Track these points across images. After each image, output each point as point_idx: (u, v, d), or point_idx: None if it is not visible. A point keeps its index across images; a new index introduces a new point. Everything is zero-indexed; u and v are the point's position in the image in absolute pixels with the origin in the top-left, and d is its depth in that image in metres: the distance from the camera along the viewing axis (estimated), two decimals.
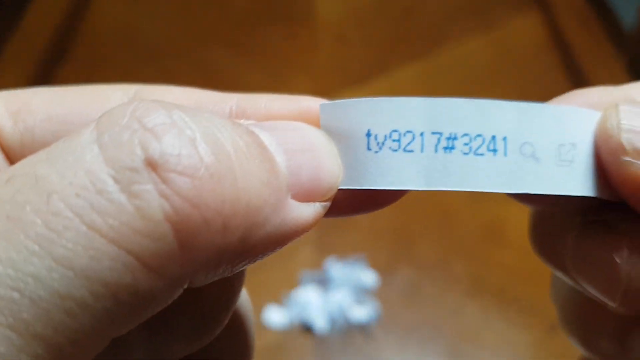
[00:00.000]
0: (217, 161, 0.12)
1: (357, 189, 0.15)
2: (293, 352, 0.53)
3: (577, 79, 0.71)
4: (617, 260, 0.14)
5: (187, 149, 0.11)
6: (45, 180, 0.11)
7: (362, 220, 0.59)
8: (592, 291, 0.15)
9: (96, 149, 0.11)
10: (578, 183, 0.14)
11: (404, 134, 0.14)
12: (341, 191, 0.14)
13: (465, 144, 0.14)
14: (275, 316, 0.54)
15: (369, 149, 0.14)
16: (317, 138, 0.14)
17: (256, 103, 0.15)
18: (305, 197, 0.13)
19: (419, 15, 0.83)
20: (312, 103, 0.15)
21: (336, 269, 0.56)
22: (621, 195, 0.14)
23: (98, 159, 0.11)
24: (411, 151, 0.14)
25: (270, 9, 0.83)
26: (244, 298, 0.18)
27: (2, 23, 0.77)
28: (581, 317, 0.18)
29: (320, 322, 0.53)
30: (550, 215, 0.17)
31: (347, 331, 0.53)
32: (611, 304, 0.15)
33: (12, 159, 0.15)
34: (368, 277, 0.56)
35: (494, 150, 0.14)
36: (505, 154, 0.14)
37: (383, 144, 0.14)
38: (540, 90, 0.71)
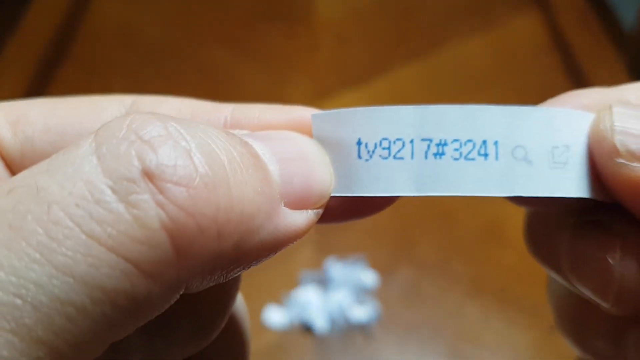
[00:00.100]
0: (212, 171, 0.12)
1: (349, 196, 0.15)
2: (293, 352, 0.53)
3: (577, 79, 0.71)
4: (610, 261, 0.15)
5: (182, 160, 0.12)
6: (45, 190, 0.11)
7: (362, 220, 0.59)
8: (586, 292, 0.16)
9: (94, 161, 0.12)
10: (572, 184, 0.14)
11: (394, 142, 0.14)
12: (334, 198, 0.15)
13: (456, 150, 0.14)
14: (275, 316, 0.54)
15: (359, 157, 0.15)
16: (309, 147, 0.15)
17: (250, 113, 0.16)
18: (298, 204, 0.14)
19: (419, 15, 0.83)
20: (304, 113, 0.16)
21: (336, 269, 0.56)
22: (615, 196, 0.15)
23: (96, 170, 0.11)
24: (401, 158, 0.14)
25: (270, 9, 0.83)
26: (240, 302, 0.19)
27: (2, 23, 0.77)
28: (576, 318, 0.18)
29: (320, 322, 0.53)
30: (545, 216, 0.17)
31: (347, 331, 0.53)
32: (604, 304, 0.15)
33: (12, 169, 0.16)
34: (368, 277, 0.56)
35: (485, 155, 0.14)
36: (496, 158, 0.14)
37: (373, 152, 0.14)
38: (540, 90, 0.71)
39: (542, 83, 0.73)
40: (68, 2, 0.80)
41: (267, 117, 0.16)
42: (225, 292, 0.17)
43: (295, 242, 0.14)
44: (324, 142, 0.15)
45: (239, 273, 0.13)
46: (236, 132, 0.14)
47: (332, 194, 0.15)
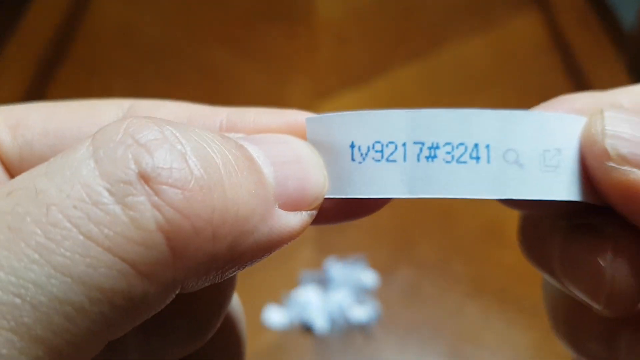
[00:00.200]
0: (207, 174, 0.12)
1: (342, 198, 0.15)
2: (293, 352, 0.53)
3: (577, 79, 0.71)
4: (602, 263, 0.15)
5: (178, 163, 0.12)
6: (44, 193, 0.12)
7: (362, 220, 0.59)
8: (578, 294, 0.16)
9: (92, 164, 0.12)
10: (563, 188, 0.15)
11: (387, 145, 0.15)
12: (328, 200, 0.15)
13: (448, 153, 0.14)
14: (275, 316, 0.54)
15: (353, 159, 0.15)
16: (303, 150, 0.15)
17: (245, 117, 0.16)
18: (292, 206, 0.14)
19: (419, 15, 0.83)
20: (298, 117, 0.16)
21: (336, 269, 0.56)
22: (606, 199, 0.15)
23: (94, 173, 0.12)
24: (394, 161, 0.15)
25: (270, 9, 0.83)
26: (236, 303, 0.19)
27: (2, 23, 0.77)
28: (570, 320, 0.18)
29: (320, 322, 0.53)
30: (538, 219, 0.17)
31: (347, 331, 0.53)
32: (596, 306, 0.15)
33: (11, 172, 0.16)
34: (368, 277, 0.56)
35: (477, 158, 0.14)
36: (488, 161, 0.14)
37: (366, 154, 0.15)
38: (540, 90, 0.71)
39: (542, 83, 0.73)
40: (68, 2, 0.80)
41: (263, 121, 0.16)
42: (221, 292, 0.17)
43: (289, 243, 0.14)
44: (318, 145, 0.15)
45: (235, 273, 0.14)
46: (231, 135, 0.15)
47: (326, 196, 0.15)
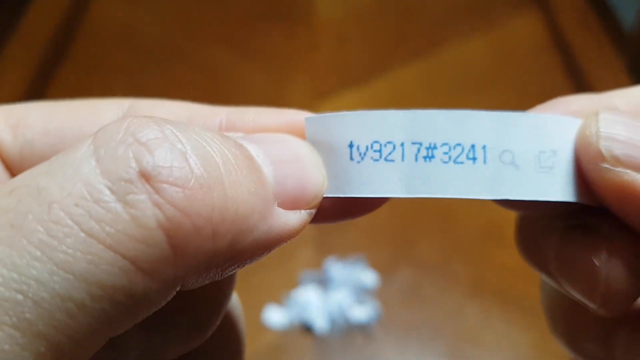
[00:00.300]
0: (207, 172, 0.12)
1: (341, 197, 0.15)
2: (293, 352, 0.53)
3: (577, 79, 0.71)
4: (597, 262, 0.15)
5: (178, 162, 0.12)
6: (46, 191, 0.12)
7: (362, 220, 0.59)
8: (574, 293, 0.16)
9: (93, 162, 0.12)
10: (558, 189, 0.15)
11: (385, 145, 0.15)
12: (326, 199, 0.15)
13: (445, 153, 0.15)
14: (275, 316, 0.54)
15: (351, 159, 0.15)
16: (302, 149, 0.15)
17: (245, 116, 0.16)
18: (291, 205, 0.14)
19: (419, 15, 0.83)
20: (297, 116, 0.16)
21: (336, 269, 0.56)
22: (601, 200, 0.15)
23: (95, 171, 0.12)
24: (392, 161, 0.15)
25: (270, 9, 0.83)
26: (235, 301, 0.19)
27: (2, 23, 0.77)
28: (567, 320, 0.18)
29: (320, 322, 0.53)
30: (535, 220, 0.18)
31: (347, 331, 0.53)
32: (592, 306, 0.16)
33: (12, 171, 0.16)
34: (368, 277, 0.56)
35: (474, 159, 0.15)
36: (484, 161, 0.15)
37: (365, 154, 0.15)
38: (540, 90, 0.71)
39: (542, 83, 0.73)
40: (68, 2, 0.80)
41: (262, 120, 0.16)
42: (221, 290, 0.17)
43: (288, 242, 0.14)
44: (317, 145, 0.16)
45: (234, 271, 0.14)
46: (231, 134, 0.15)
47: (325, 195, 0.15)
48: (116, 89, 0.71)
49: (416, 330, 0.54)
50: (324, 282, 0.56)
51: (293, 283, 0.56)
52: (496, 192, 0.15)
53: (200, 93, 0.71)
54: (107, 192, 0.12)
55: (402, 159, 0.15)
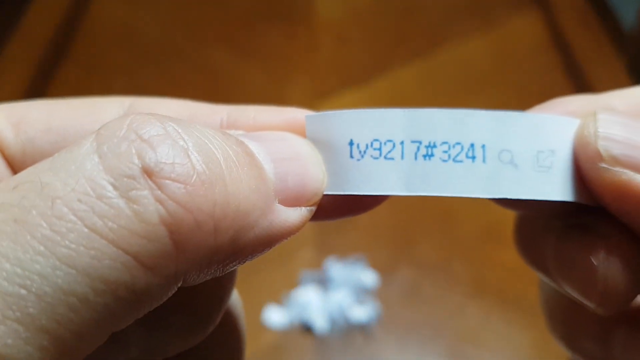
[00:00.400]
0: (208, 169, 0.13)
1: (341, 195, 0.15)
2: (293, 352, 0.53)
3: (577, 79, 0.71)
4: (594, 261, 0.15)
5: (180, 158, 0.12)
6: (49, 186, 0.12)
7: (362, 220, 0.59)
8: (572, 293, 0.16)
9: (96, 159, 0.12)
10: (557, 188, 0.15)
11: (385, 143, 0.15)
12: (326, 196, 0.15)
13: (444, 152, 0.15)
14: (275, 316, 0.54)
15: (351, 157, 0.15)
16: (302, 147, 0.15)
17: (245, 114, 0.16)
18: (291, 202, 0.14)
19: (419, 15, 0.83)
20: (298, 114, 0.16)
21: (336, 269, 0.56)
22: (599, 200, 0.15)
23: (98, 167, 0.12)
24: (392, 159, 0.15)
25: (270, 9, 0.83)
26: (235, 299, 0.20)
27: (2, 23, 0.77)
28: (565, 320, 0.18)
29: (320, 322, 0.53)
30: (533, 219, 0.18)
31: (347, 331, 0.53)
32: (590, 304, 0.16)
33: (14, 168, 0.16)
34: (368, 277, 0.56)
35: (473, 157, 0.15)
36: (483, 160, 0.15)
37: (365, 152, 0.15)
38: (540, 90, 0.71)
39: (542, 83, 0.73)
40: (68, 2, 0.80)
41: (262, 118, 0.16)
42: (222, 286, 0.18)
43: (289, 238, 0.14)
44: (317, 143, 0.16)
45: (235, 267, 0.14)
46: (232, 132, 0.15)
47: (325, 192, 0.15)
48: (116, 89, 0.71)
49: (416, 330, 0.54)
50: (324, 282, 0.56)
51: (293, 283, 0.56)
52: (495, 191, 0.15)
53: (200, 93, 0.71)
54: (110, 188, 0.12)
55: (402, 157, 0.15)
